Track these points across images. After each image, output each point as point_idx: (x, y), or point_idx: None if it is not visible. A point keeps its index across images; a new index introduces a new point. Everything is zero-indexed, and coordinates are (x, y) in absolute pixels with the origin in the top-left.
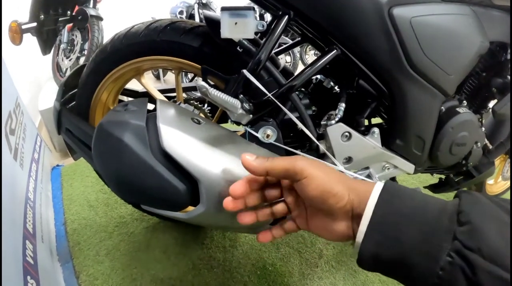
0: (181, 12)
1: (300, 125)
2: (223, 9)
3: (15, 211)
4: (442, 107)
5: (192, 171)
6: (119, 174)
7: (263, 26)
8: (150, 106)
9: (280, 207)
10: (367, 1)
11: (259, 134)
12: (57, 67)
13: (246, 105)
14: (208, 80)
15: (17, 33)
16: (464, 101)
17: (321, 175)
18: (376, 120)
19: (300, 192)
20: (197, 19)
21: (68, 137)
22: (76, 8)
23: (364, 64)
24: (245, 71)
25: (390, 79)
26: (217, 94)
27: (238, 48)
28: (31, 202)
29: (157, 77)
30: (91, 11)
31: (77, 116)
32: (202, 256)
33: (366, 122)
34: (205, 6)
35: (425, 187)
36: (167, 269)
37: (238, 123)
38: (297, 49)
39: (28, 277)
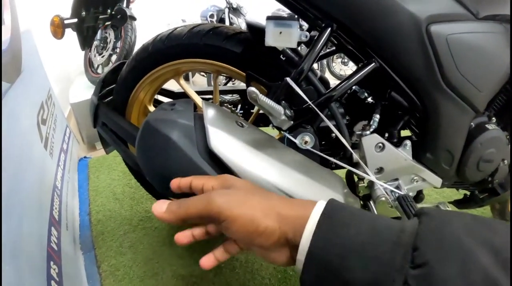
0: (211, 16)
1: (337, 133)
2: (269, 18)
3: (43, 197)
4: (472, 123)
5: (236, 172)
6: (164, 170)
7: (306, 36)
8: None
9: (212, 228)
10: (407, 17)
11: (297, 140)
12: (89, 63)
13: (288, 112)
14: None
15: (59, 28)
16: (493, 118)
17: (243, 212)
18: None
19: (225, 233)
20: (227, 23)
21: (104, 131)
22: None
23: (400, 78)
24: (288, 79)
25: (424, 93)
26: (265, 100)
27: (281, 56)
28: (58, 190)
29: (186, 78)
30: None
31: (114, 111)
32: None
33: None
34: (235, 10)
35: (449, 202)
36: (189, 266)
37: (279, 129)
38: None
39: (51, 262)
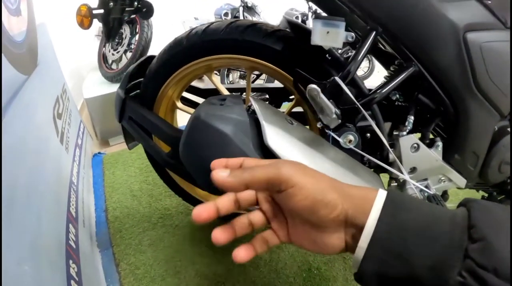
0: (226, 14)
1: (379, 133)
2: (317, 17)
3: (60, 193)
4: (495, 127)
5: None
6: None
7: (352, 37)
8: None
9: (257, 217)
10: (448, 25)
11: (341, 139)
12: (103, 59)
13: (338, 111)
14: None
15: (87, 17)
16: None
17: (311, 182)
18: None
19: (283, 203)
20: None
21: (130, 125)
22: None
23: (436, 82)
24: (337, 78)
25: (457, 97)
26: (324, 99)
27: (327, 55)
28: (74, 186)
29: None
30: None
31: (143, 106)
32: None
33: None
34: (250, 9)
35: None
36: (212, 264)
37: (327, 127)
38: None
39: (70, 261)
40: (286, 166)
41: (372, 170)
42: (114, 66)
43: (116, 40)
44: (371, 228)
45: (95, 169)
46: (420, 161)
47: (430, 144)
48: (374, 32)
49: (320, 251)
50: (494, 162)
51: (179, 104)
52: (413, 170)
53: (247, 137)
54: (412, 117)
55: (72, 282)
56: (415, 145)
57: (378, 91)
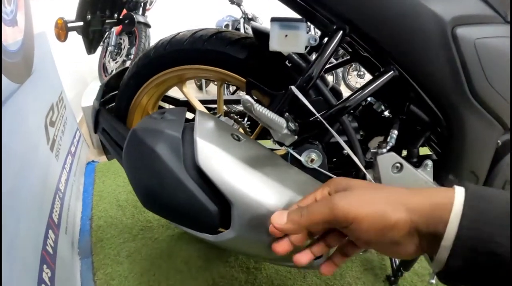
0: (226, 26)
1: (349, 151)
2: (273, 19)
3: (43, 199)
4: (499, 141)
5: (226, 192)
6: (147, 184)
7: (315, 40)
8: (190, 115)
9: (333, 237)
10: (430, 18)
11: (302, 158)
12: (103, 68)
13: (292, 125)
14: (252, 95)
15: (63, 30)
16: None
17: (370, 210)
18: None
19: (351, 236)
20: None
21: (104, 137)
22: (124, 12)
23: (422, 88)
24: (293, 87)
25: (449, 106)
26: (262, 111)
27: (286, 62)
28: (60, 193)
29: (200, 87)
30: (139, 18)
31: (115, 117)
32: (224, 274)
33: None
34: (251, 20)
35: None
36: (186, 281)
37: (281, 144)
38: (339, 69)
39: (44, 266)
40: (342, 200)
41: None
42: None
43: (116, 50)
44: (453, 229)
45: (87, 176)
46: (405, 183)
47: (418, 163)
48: (341, 32)
49: (397, 256)
50: (497, 182)
51: None
52: None
53: (178, 155)
54: (396, 132)
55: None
56: (398, 165)
57: (347, 100)
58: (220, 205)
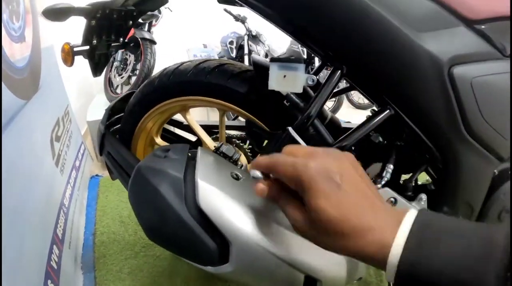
0: (231, 43)
1: None
2: (272, 60)
3: (48, 214)
4: (495, 171)
5: (225, 232)
6: (151, 219)
7: (313, 81)
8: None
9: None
10: (427, 59)
11: None
12: (108, 83)
13: None
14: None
15: (69, 55)
16: None
17: (338, 213)
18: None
19: (307, 206)
20: (246, 50)
21: (109, 160)
22: (131, 33)
23: (418, 126)
24: (290, 129)
25: (444, 143)
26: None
27: (285, 102)
28: (65, 208)
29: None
30: (145, 35)
31: (120, 141)
32: None
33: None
34: (254, 38)
35: None
36: None
37: None
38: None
39: (49, 281)
40: (310, 169)
41: None
42: (119, 90)
43: (121, 65)
44: (395, 260)
45: (91, 191)
46: None
47: (413, 196)
48: (338, 72)
49: (338, 253)
50: (492, 212)
51: (157, 140)
52: None
53: (180, 196)
54: (391, 166)
55: None
56: (392, 199)
57: (344, 140)
58: (219, 242)
